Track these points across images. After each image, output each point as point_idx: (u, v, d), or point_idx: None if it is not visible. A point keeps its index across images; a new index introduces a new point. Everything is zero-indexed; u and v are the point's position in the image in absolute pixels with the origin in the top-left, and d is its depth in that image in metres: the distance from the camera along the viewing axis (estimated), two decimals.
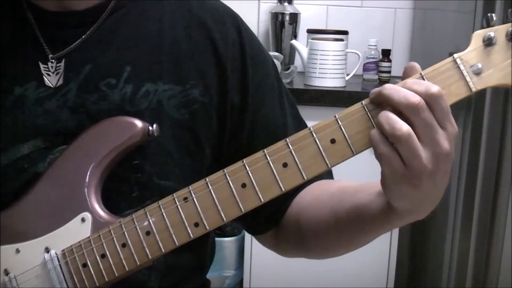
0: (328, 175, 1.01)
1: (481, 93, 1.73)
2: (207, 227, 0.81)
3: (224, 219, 0.80)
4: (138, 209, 0.88)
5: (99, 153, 0.87)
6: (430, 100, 0.71)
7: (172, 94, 0.93)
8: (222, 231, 2.30)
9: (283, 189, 0.78)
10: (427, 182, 0.73)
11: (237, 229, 2.33)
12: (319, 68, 2.21)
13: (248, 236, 2.22)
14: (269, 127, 0.99)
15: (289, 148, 0.77)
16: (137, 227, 0.83)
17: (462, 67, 0.74)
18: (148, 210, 0.83)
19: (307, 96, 2.11)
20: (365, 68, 2.47)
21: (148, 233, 0.83)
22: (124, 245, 0.83)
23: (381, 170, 0.74)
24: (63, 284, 0.85)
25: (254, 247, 2.19)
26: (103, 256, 0.84)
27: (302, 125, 1.03)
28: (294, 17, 2.48)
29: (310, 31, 2.42)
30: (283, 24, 2.47)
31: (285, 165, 0.78)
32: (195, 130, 0.94)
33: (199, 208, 0.81)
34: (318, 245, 0.97)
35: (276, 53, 2.38)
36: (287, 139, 0.77)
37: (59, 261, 0.86)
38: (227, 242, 2.31)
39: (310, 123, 0.78)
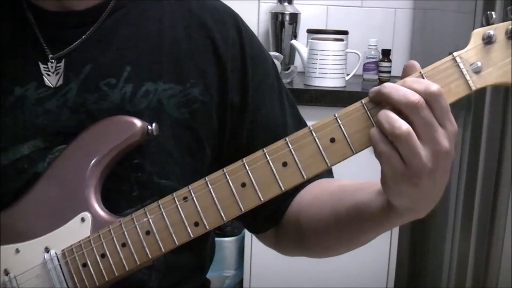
0: (328, 174, 1.01)
1: (481, 92, 1.73)
2: (207, 227, 0.81)
3: (224, 218, 0.80)
4: (138, 208, 0.88)
5: (99, 153, 0.87)
6: (430, 98, 0.71)
7: (172, 94, 0.93)
8: (222, 231, 2.30)
9: (282, 188, 0.78)
10: (427, 180, 0.73)
11: (237, 229, 2.33)
12: (319, 68, 2.21)
13: (248, 236, 2.22)
14: (269, 127, 0.99)
15: (289, 147, 0.77)
16: (137, 226, 0.83)
17: (461, 65, 0.74)
18: (148, 209, 0.83)
19: (307, 96, 2.11)
20: (365, 68, 2.47)
21: (148, 232, 0.82)
22: (124, 245, 0.83)
23: (381, 168, 0.74)
24: (63, 284, 0.85)
25: (254, 247, 2.19)
26: (103, 255, 0.84)
27: (302, 124, 1.03)
28: (294, 17, 2.48)
29: (310, 31, 2.42)
30: (283, 24, 2.47)
31: (284, 164, 0.78)
32: (196, 129, 0.94)
33: (198, 208, 0.81)
34: (318, 244, 0.97)
35: (276, 53, 2.38)
36: (287, 138, 0.77)
37: (59, 261, 0.86)
38: (227, 242, 2.31)
39: (310, 123, 0.78)
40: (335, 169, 0.88)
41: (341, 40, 2.25)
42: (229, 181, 0.79)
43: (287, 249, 1.05)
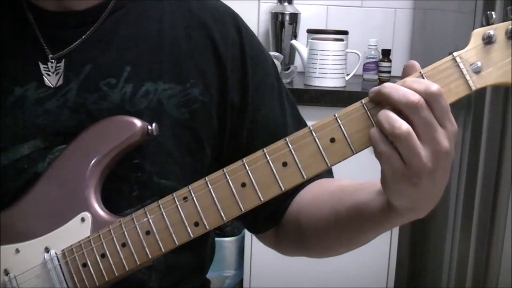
0: (328, 173, 1.01)
1: (481, 92, 1.73)
2: (207, 227, 0.81)
3: (224, 218, 0.80)
4: (138, 208, 0.88)
5: (99, 153, 0.87)
6: (430, 98, 0.71)
7: (172, 94, 0.93)
8: (222, 231, 2.30)
9: (282, 188, 0.78)
10: (427, 180, 0.73)
11: (237, 229, 2.33)
12: (319, 68, 2.21)
13: (248, 236, 2.22)
14: (269, 127, 0.99)
15: (289, 147, 0.77)
16: (137, 226, 0.83)
17: (461, 65, 0.74)
18: (148, 209, 0.83)
19: (307, 96, 2.11)
20: (365, 68, 2.47)
21: (148, 232, 0.82)
22: (124, 245, 0.83)
23: (381, 168, 0.74)
24: (63, 284, 0.85)
25: (254, 247, 2.19)
26: (103, 255, 0.84)
27: (302, 124, 1.03)
28: (294, 17, 2.48)
29: (310, 31, 2.42)
30: (283, 24, 2.47)
31: (284, 164, 0.78)
32: (196, 129, 0.94)
33: (198, 208, 0.81)
34: (318, 244, 0.97)
35: (276, 53, 2.38)
36: (287, 138, 0.77)
37: (59, 261, 0.86)
38: (227, 242, 2.31)
39: (310, 123, 0.78)
40: (335, 169, 0.88)
41: (341, 40, 2.25)
42: (229, 181, 0.79)
43: (287, 249, 1.05)
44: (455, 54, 0.74)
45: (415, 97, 0.70)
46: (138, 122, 0.87)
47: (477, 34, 0.74)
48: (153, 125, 0.88)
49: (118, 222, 0.84)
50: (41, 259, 0.86)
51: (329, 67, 2.20)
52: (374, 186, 0.83)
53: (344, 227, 0.89)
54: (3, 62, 0.92)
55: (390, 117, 0.71)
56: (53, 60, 0.91)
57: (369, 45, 2.47)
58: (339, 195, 0.91)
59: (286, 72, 2.29)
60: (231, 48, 0.97)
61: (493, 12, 0.73)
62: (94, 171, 0.87)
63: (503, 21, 0.74)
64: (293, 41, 2.40)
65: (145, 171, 0.92)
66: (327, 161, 0.76)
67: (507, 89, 1.76)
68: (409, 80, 0.73)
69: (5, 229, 0.88)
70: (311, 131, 0.76)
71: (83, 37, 0.92)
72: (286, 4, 2.51)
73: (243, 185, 0.79)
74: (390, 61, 2.45)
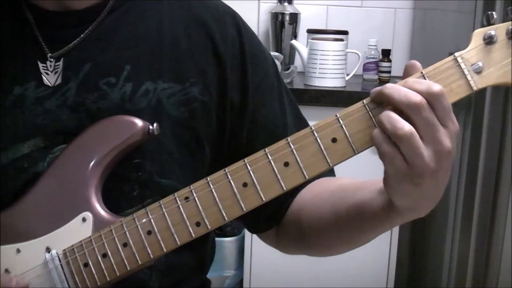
0: (329, 172, 1.01)
1: (481, 92, 1.73)
2: (209, 227, 0.81)
3: (226, 218, 0.80)
4: (138, 208, 0.88)
5: (100, 153, 0.87)
6: (432, 99, 0.71)
7: (172, 93, 0.93)
8: (222, 231, 2.30)
9: (284, 188, 0.78)
10: (429, 180, 0.73)
11: (237, 229, 2.33)
12: (319, 68, 2.21)
13: (248, 236, 2.22)
14: (269, 127, 0.99)
15: (290, 147, 0.77)
16: (139, 226, 0.83)
17: (463, 65, 0.74)
18: (149, 209, 0.83)
19: (307, 96, 2.11)
20: (365, 68, 2.47)
21: (149, 232, 0.82)
22: (125, 245, 0.83)
23: (384, 169, 0.75)
24: (65, 284, 0.85)
25: (254, 247, 2.19)
26: (104, 255, 0.84)
27: (302, 124, 1.03)
28: (294, 17, 2.48)
29: (310, 31, 2.42)
30: (283, 24, 2.47)
31: (286, 164, 0.78)
32: (195, 129, 0.94)
33: (200, 208, 0.81)
34: (319, 243, 0.97)
35: (276, 53, 2.38)
36: (288, 138, 0.78)
37: (60, 261, 0.86)
38: (227, 242, 2.31)
39: (310, 123, 0.78)
40: (336, 168, 0.88)
41: (341, 40, 2.25)
42: (231, 181, 0.79)
43: (288, 248, 1.05)
44: (456, 54, 0.74)
45: (417, 98, 0.71)
46: (139, 122, 0.87)
47: (478, 34, 0.74)
48: (154, 125, 0.88)
49: (120, 222, 0.84)
50: (42, 259, 0.86)
51: (329, 67, 2.20)
52: (375, 185, 0.83)
53: (344, 226, 0.89)
54: (3, 62, 0.92)
55: (392, 118, 0.71)
56: (51, 59, 0.92)
57: (369, 45, 2.47)
58: (339, 194, 0.92)
59: (286, 72, 2.29)
60: (231, 48, 0.97)
61: (494, 12, 0.73)
62: (95, 171, 0.87)
63: (503, 21, 0.74)
64: (293, 41, 2.40)
65: (146, 171, 0.92)
66: (328, 161, 0.77)
67: (507, 89, 1.76)
68: (411, 80, 0.73)
69: (6, 229, 0.88)
70: (312, 131, 0.76)
71: (82, 36, 0.92)
72: (286, 4, 2.51)
73: (245, 185, 0.79)
74: (390, 61, 2.45)
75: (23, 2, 0.93)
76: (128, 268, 0.84)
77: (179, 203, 0.81)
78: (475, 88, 0.74)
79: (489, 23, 0.74)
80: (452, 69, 0.74)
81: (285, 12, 2.47)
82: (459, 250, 1.93)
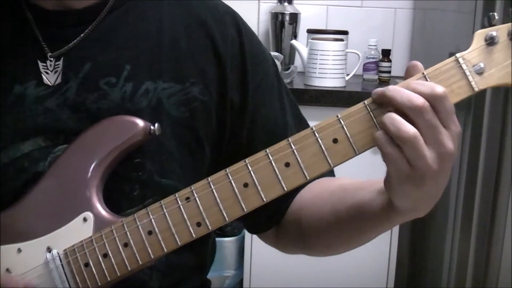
0: (329, 172, 1.00)
1: (481, 93, 1.73)
2: (209, 227, 0.81)
3: (227, 218, 0.80)
4: (139, 208, 0.88)
5: (101, 153, 0.87)
6: (435, 101, 0.71)
7: (172, 92, 0.93)
8: (222, 231, 2.30)
9: (285, 189, 0.78)
10: (431, 182, 0.73)
11: (237, 229, 2.33)
12: (319, 68, 2.21)
13: (248, 236, 2.22)
14: (269, 127, 0.99)
15: (291, 147, 0.77)
16: (139, 226, 0.83)
17: (464, 66, 0.74)
18: (150, 209, 0.83)
19: (307, 96, 2.11)
20: (365, 68, 2.47)
21: (150, 232, 0.82)
22: (126, 245, 0.83)
23: (387, 170, 0.75)
24: (65, 284, 0.85)
25: (254, 247, 2.19)
26: (105, 255, 0.84)
27: (302, 124, 1.03)
28: (294, 17, 2.48)
29: (310, 31, 2.42)
30: (283, 24, 2.47)
31: (287, 164, 0.78)
32: (195, 129, 0.94)
33: (201, 208, 0.81)
34: (318, 243, 0.97)
35: (276, 53, 2.38)
36: (289, 139, 0.78)
37: (61, 261, 0.86)
38: (227, 242, 2.31)
39: (310, 124, 0.78)
40: (336, 168, 0.88)
41: (341, 40, 2.25)
42: (232, 181, 0.79)
43: (287, 247, 1.05)
44: (457, 55, 0.74)
45: (420, 101, 0.71)
46: (140, 122, 0.87)
47: (480, 35, 0.74)
48: (156, 125, 0.88)
49: (120, 222, 0.84)
50: (43, 259, 0.87)
51: (329, 67, 2.20)
52: (375, 185, 0.83)
53: (344, 226, 0.89)
54: (3, 61, 0.92)
55: (396, 120, 0.71)
56: (51, 59, 0.92)
57: (369, 45, 2.47)
58: (339, 194, 0.92)
59: (286, 72, 2.29)
60: (231, 48, 0.97)
61: (495, 13, 0.73)
62: (96, 171, 0.87)
63: (504, 21, 0.74)
64: (293, 41, 2.40)
65: (146, 170, 0.92)
66: (329, 161, 0.77)
67: (507, 89, 1.76)
68: (413, 82, 0.73)
69: (7, 229, 0.88)
70: (313, 131, 0.76)
71: (82, 35, 0.92)
72: (286, 4, 2.51)
73: (246, 185, 0.79)
74: (390, 61, 2.45)
75: (23, 2, 0.93)
76: (129, 268, 0.84)
77: (180, 203, 0.81)
78: (476, 89, 0.74)
79: (491, 24, 0.74)
80: (454, 70, 0.74)
81: (285, 12, 2.47)
82: (459, 250, 1.93)
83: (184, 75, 0.94)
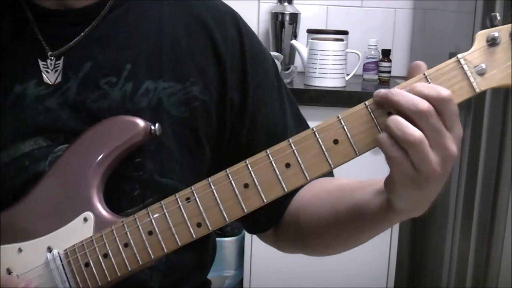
0: (329, 172, 1.01)
1: (481, 93, 1.73)
2: (210, 227, 0.81)
3: (227, 219, 0.80)
4: (139, 207, 0.88)
5: (102, 153, 0.87)
6: (440, 104, 0.71)
7: (172, 92, 0.93)
8: (222, 231, 2.30)
9: (285, 189, 0.78)
10: (434, 184, 0.73)
11: (237, 229, 2.33)
12: (319, 68, 2.21)
13: (248, 236, 2.22)
14: (269, 127, 0.99)
15: (292, 148, 0.77)
16: (140, 226, 0.83)
17: (466, 67, 0.73)
18: (150, 209, 0.83)
19: (307, 96, 2.11)
20: (365, 68, 2.47)
21: (150, 232, 0.83)
22: (126, 245, 0.83)
23: (390, 173, 0.75)
24: (66, 284, 0.85)
25: (254, 247, 2.19)
26: (105, 255, 0.84)
27: (302, 124, 1.03)
28: (294, 17, 2.48)
29: (310, 31, 2.42)
30: (283, 24, 2.47)
31: (287, 165, 0.78)
32: (196, 128, 0.94)
33: (201, 208, 0.81)
34: (318, 243, 0.97)
35: (276, 53, 2.38)
36: (290, 139, 0.77)
37: (61, 261, 0.86)
38: (227, 242, 2.31)
39: (310, 123, 0.78)
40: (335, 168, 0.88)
41: (341, 40, 2.25)
42: (232, 181, 0.79)
43: (286, 247, 1.05)
44: (459, 56, 0.74)
45: (425, 105, 0.70)
46: (141, 122, 0.87)
47: (481, 35, 0.74)
48: (156, 125, 0.88)
49: (121, 222, 0.84)
50: (43, 259, 0.87)
51: (329, 67, 2.20)
52: (373, 185, 0.83)
53: (343, 226, 0.90)
54: (3, 61, 0.92)
55: (401, 123, 0.71)
56: (52, 57, 0.92)
57: (369, 45, 2.47)
58: (338, 194, 0.92)
59: (286, 72, 2.29)
60: (231, 48, 0.97)
61: (497, 14, 0.73)
62: (97, 171, 0.87)
63: (504, 21, 0.74)
64: (293, 41, 2.40)
65: (146, 170, 0.92)
66: (330, 162, 0.77)
67: (507, 89, 1.75)
68: (418, 85, 0.72)
69: (8, 228, 0.88)
70: (314, 132, 0.76)
71: (82, 34, 0.92)
72: (286, 4, 2.51)
73: (246, 186, 0.79)
74: (390, 61, 2.45)
75: (23, 2, 0.93)
76: (129, 268, 0.84)
77: (180, 203, 0.81)
78: (477, 90, 0.74)
79: (493, 25, 0.74)
80: (455, 70, 0.74)
81: (285, 12, 2.47)
82: (459, 250, 1.93)
83: (184, 75, 0.94)
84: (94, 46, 0.92)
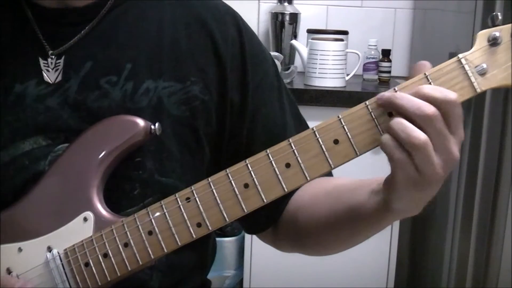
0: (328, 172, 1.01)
1: (482, 93, 1.73)
2: (210, 227, 0.81)
3: (227, 219, 0.80)
4: (139, 207, 0.88)
5: (102, 152, 0.87)
6: (448, 107, 0.71)
7: (173, 91, 0.93)
8: (222, 231, 2.30)
9: (285, 190, 0.78)
10: (435, 186, 0.74)
11: (237, 229, 2.33)
12: (319, 68, 2.21)
13: (248, 236, 2.22)
14: (269, 127, 0.99)
15: (292, 148, 0.77)
16: (140, 226, 0.83)
17: (467, 67, 0.73)
18: (150, 209, 0.83)
19: (307, 96, 2.11)
20: (365, 68, 2.46)
21: (150, 232, 0.82)
22: (126, 245, 0.83)
23: (392, 174, 0.74)
24: (66, 284, 0.85)
25: (254, 247, 2.19)
26: (105, 255, 0.84)
27: (302, 124, 1.03)
28: (294, 17, 2.48)
29: (310, 31, 2.42)
30: (283, 24, 2.47)
31: (288, 165, 0.78)
32: (196, 128, 0.94)
33: (201, 208, 0.81)
34: (316, 243, 0.97)
35: (276, 53, 2.38)
36: (290, 139, 0.77)
37: (61, 260, 0.86)
38: (227, 242, 2.31)
39: (310, 123, 0.78)
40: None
41: (341, 40, 2.25)
42: (232, 181, 0.79)
43: (285, 247, 1.05)
44: (460, 56, 0.74)
45: (431, 110, 0.70)
46: (141, 122, 0.87)
47: (482, 35, 0.74)
48: (156, 124, 0.88)
49: (121, 222, 0.84)
50: (43, 258, 0.87)
51: (329, 67, 2.20)
52: (370, 185, 0.83)
53: (342, 226, 0.90)
54: (3, 61, 0.92)
55: (406, 126, 0.71)
56: (53, 56, 0.92)
57: (369, 45, 2.47)
58: (336, 195, 0.92)
59: (286, 72, 2.29)
60: (231, 48, 0.97)
61: (499, 14, 0.73)
62: (97, 170, 0.87)
63: (505, 21, 0.74)
64: (293, 41, 2.40)
65: (146, 169, 0.92)
66: (330, 162, 0.76)
67: (507, 89, 1.75)
68: (425, 87, 0.72)
69: (8, 228, 0.88)
70: (314, 132, 0.76)
71: (82, 32, 0.92)
72: (286, 4, 2.50)
73: (246, 186, 0.79)
74: (390, 61, 2.45)
75: (23, 1, 0.94)
76: (129, 268, 0.84)
77: (180, 203, 0.81)
78: (478, 90, 0.73)
79: (494, 25, 0.73)
80: (456, 70, 0.73)
81: (285, 12, 2.47)
82: (459, 250, 1.93)
83: (185, 74, 0.94)
84: (94, 45, 0.92)
